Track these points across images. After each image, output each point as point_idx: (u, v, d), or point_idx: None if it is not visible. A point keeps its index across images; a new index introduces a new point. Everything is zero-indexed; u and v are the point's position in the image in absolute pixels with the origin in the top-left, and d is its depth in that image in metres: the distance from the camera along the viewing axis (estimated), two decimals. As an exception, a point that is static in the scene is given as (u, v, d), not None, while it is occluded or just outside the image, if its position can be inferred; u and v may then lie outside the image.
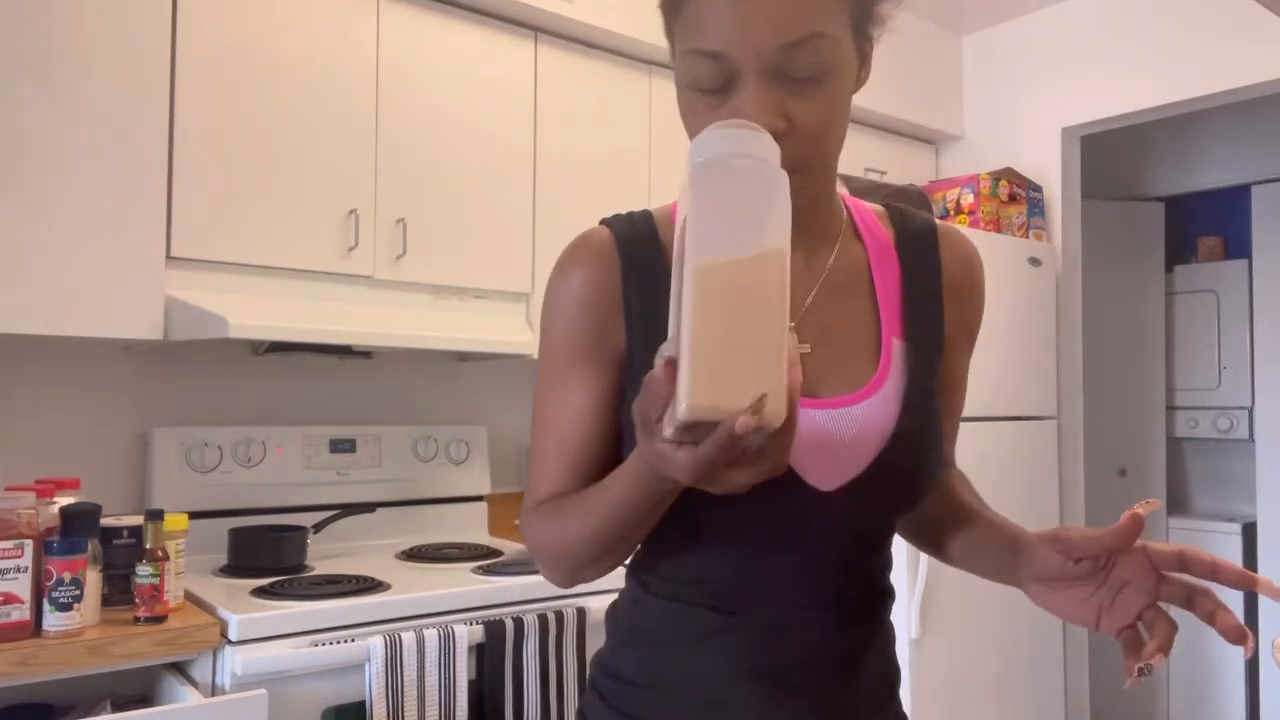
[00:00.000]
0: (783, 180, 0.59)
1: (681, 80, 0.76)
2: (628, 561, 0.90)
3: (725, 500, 0.72)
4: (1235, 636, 0.66)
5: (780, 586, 0.80)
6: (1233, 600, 3.61)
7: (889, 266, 0.85)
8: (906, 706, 0.95)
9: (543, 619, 1.81)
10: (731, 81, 0.71)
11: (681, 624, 0.82)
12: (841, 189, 0.90)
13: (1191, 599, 0.69)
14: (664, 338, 0.81)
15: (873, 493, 0.78)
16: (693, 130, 0.76)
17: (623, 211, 0.87)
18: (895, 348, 0.82)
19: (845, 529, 0.80)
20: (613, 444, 0.83)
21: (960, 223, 2.89)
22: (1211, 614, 0.67)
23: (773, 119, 0.70)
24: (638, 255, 0.82)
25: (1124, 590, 0.72)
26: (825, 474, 0.77)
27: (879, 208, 0.91)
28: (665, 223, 0.84)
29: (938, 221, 0.90)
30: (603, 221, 0.85)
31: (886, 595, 0.88)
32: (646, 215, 0.85)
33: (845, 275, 0.84)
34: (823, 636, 0.81)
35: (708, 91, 0.72)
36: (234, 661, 1.51)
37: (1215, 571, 0.67)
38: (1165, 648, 0.68)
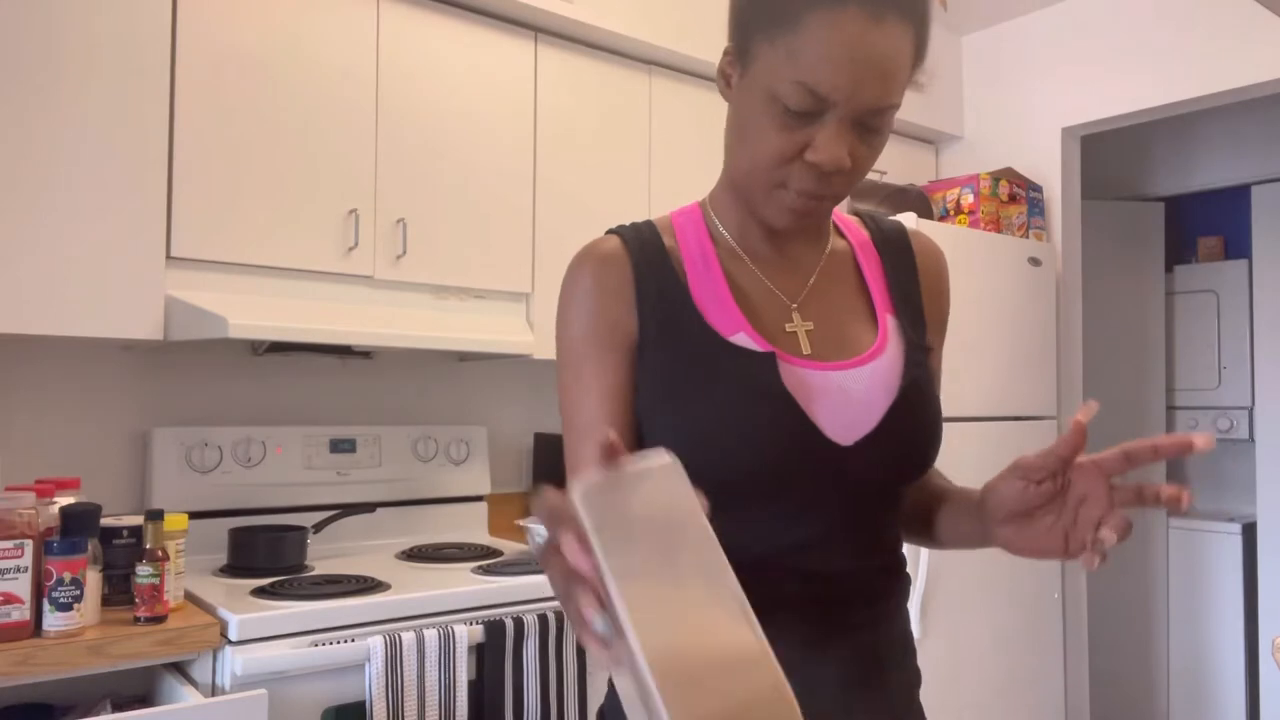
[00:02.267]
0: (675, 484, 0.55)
1: (765, 86, 0.78)
2: None
3: (754, 459, 0.80)
4: (1175, 500, 0.71)
5: (811, 551, 0.84)
6: (1233, 601, 3.61)
7: (871, 259, 0.95)
8: (907, 706, 0.96)
9: (543, 619, 1.81)
10: (817, 115, 0.78)
11: None
12: None
13: (1140, 493, 0.74)
14: (677, 332, 0.84)
15: (888, 447, 0.84)
16: (751, 131, 0.81)
17: (625, 223, 0.94)
18: (889, 322, 0.91)
19: (866, 485, 0.85)
20: (636, 429, 0.87)
21: (960, 223, 2.89)
22: (1156, 495, 0.73)
23: (844, 157, 0.78)
24: (644, 253, 0.89)
25: (1082, 507, 0.76)
26: (843, 429, 0.83)
27: (852, 216, 1.00)
28: (666, 229, 0.92)
29: (907, 226, 1.00)
30: (609, 231, 0.92)
31: (902, 569, 0.92)
32: (648, 224, 0.93)
33: (837, 264, 0.94)
34: (853, 604, 0.85)
35: (791, 113, 0.78)
36: (234, 661, 1.51)
37: (1157, 450, 0.71)
38: (1120, 530, 0.73)
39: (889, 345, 0.88)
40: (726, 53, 0.85)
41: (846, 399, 0.84)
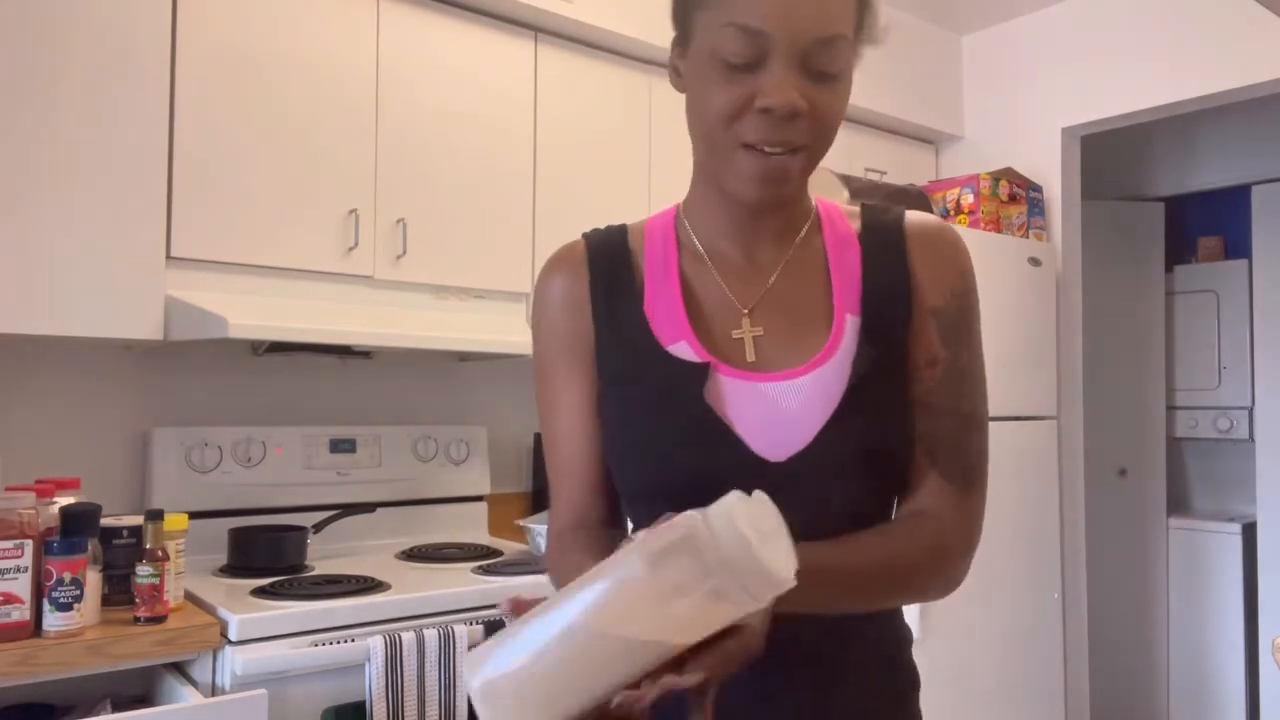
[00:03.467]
0: (745, 606, 0.58)
1: (705, 49, 0.78)
2: None
3: (678, 476, 0.78)
4: None
5: None
6: (1233, 601, 3.61)
7: (848, 254, 0.88)
8: (907, 707, 0.94)
9: (543, 619, 1.81)
10: (760, 61, 0.75)
11: None
12: (842, 191, 0.94)
13: None
14: (623, 340, 0.85)
15: (827, 462, 0.78)
16: (700, 97, 0.80)
17: (600, 226, 0.94)
18: (848, 322, 0.84)
19: (808, 504, 0.77)
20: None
21: (960, 223, 2.89)
22: None
23: (795, 99, 0.75)
24: (603, 260, 0.89)
25: None
26: (773, 445, 0.79)
27: (854, 208, 0.93)
28: (637, 233, 0.91)
29: (910, 212, 0.91)
30: (583, 235, 0.92)
31: None
32: (621, 228, 0.92)
33: (803, 262, 0.88)
34: (815, 630, 0.78)
35: (733, 66, 0.76)
36: (234, 661, 1.51)
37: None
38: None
39: (838, 352, 0.82)
40: (672, 45, 0.85)
41: (778, 413, 0.79)
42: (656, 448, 0.80)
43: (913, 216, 0.91)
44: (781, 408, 0.80)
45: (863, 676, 0.84)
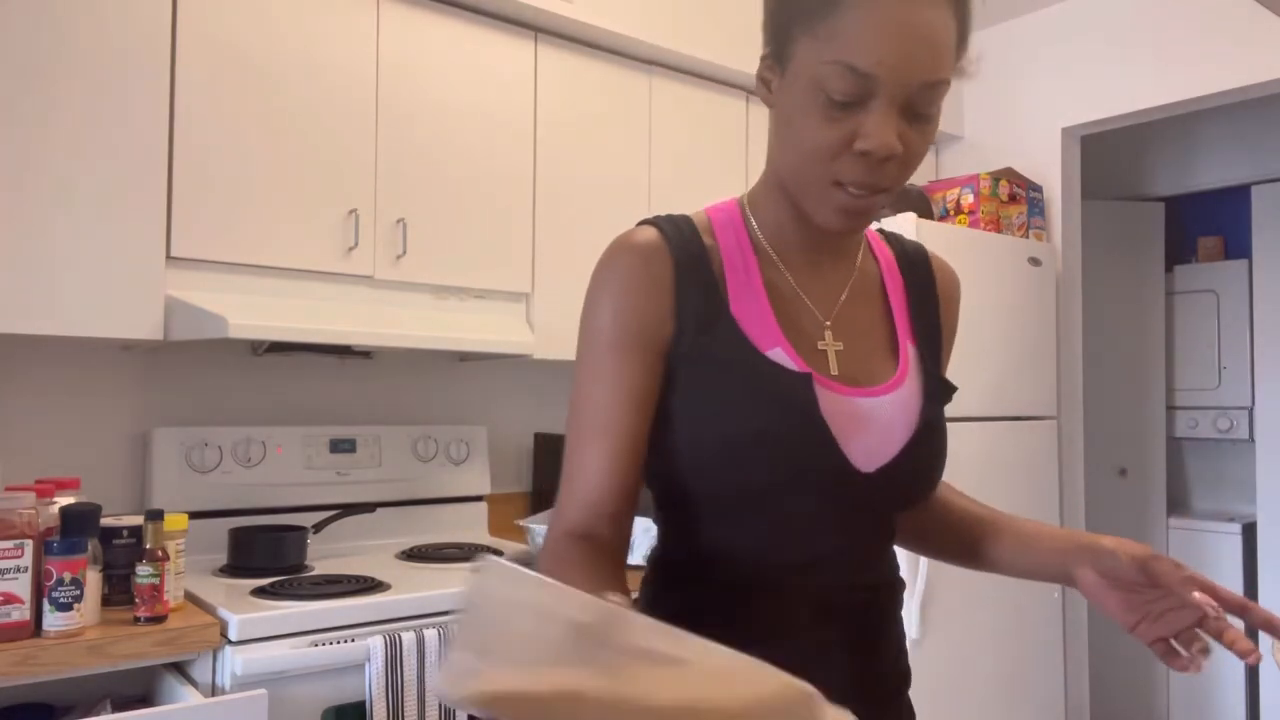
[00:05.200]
0: None
1: (806, 77, 0.77)
2: (645, 557, 0.93)
3: (779, 477, 0.80)
4: (1245, 650, 0.76)
5: (824, 566, 0.85)
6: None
7: (896, 281, 0.95)
8: (906, 706, 0.97)
9: (543, 619, 1.81)
10: (864, 100, 0.75)
11: (714, 612, 0.84)
12: None
13: (1223, 633, 0.80)
14: (713, 340, 0.83)
15: (904, 476, 0.85)
16: (797, 127, 0.79)
17: (661, 214, 0.90)
18: (910, 351, 0.91)
19: (879, 511, 0.87)
20: (650, 433, 0.85)
21: (960, 223, 2.89)
22: (1233, 641, 0.78)
23: (894, 142, 0.76)
24: (685, 253, 0.85)
25: (1172, 612, 0.81)
26: (867, 456, 0.83)
27: (875, 231, 0.99)
28: (705, 228, 0.89)
29: (930, 250, 1.00)
30: (645, 222, 0.88)
31: (898, 581, 0.94)
32: (686, 219, 0.89)
33: (865, 284, 0.93)
34: (854, 618, 0.87)
35: (835, 103, 0.76)
36: (234, 661, 1.51)
37: (1271, 624, 0.79)
38: (1202, 659, 0.82)
39: (909, 377, 0.89)
40: (764, 58, 0.83)
41: (872, 426, 0.84)
42: (761, 451, 0.80)
43: (935, 257, 0.99)
44: (876, 422, 0.84)
45: (891, 656, 0.91)
